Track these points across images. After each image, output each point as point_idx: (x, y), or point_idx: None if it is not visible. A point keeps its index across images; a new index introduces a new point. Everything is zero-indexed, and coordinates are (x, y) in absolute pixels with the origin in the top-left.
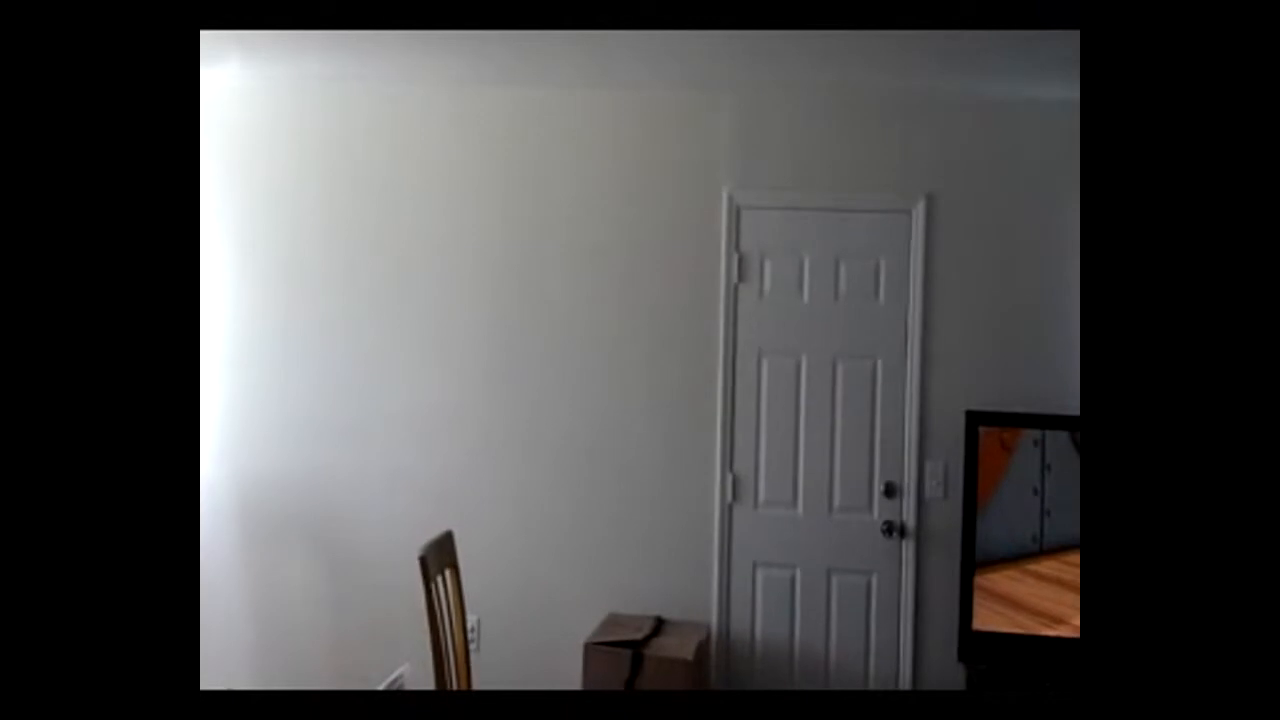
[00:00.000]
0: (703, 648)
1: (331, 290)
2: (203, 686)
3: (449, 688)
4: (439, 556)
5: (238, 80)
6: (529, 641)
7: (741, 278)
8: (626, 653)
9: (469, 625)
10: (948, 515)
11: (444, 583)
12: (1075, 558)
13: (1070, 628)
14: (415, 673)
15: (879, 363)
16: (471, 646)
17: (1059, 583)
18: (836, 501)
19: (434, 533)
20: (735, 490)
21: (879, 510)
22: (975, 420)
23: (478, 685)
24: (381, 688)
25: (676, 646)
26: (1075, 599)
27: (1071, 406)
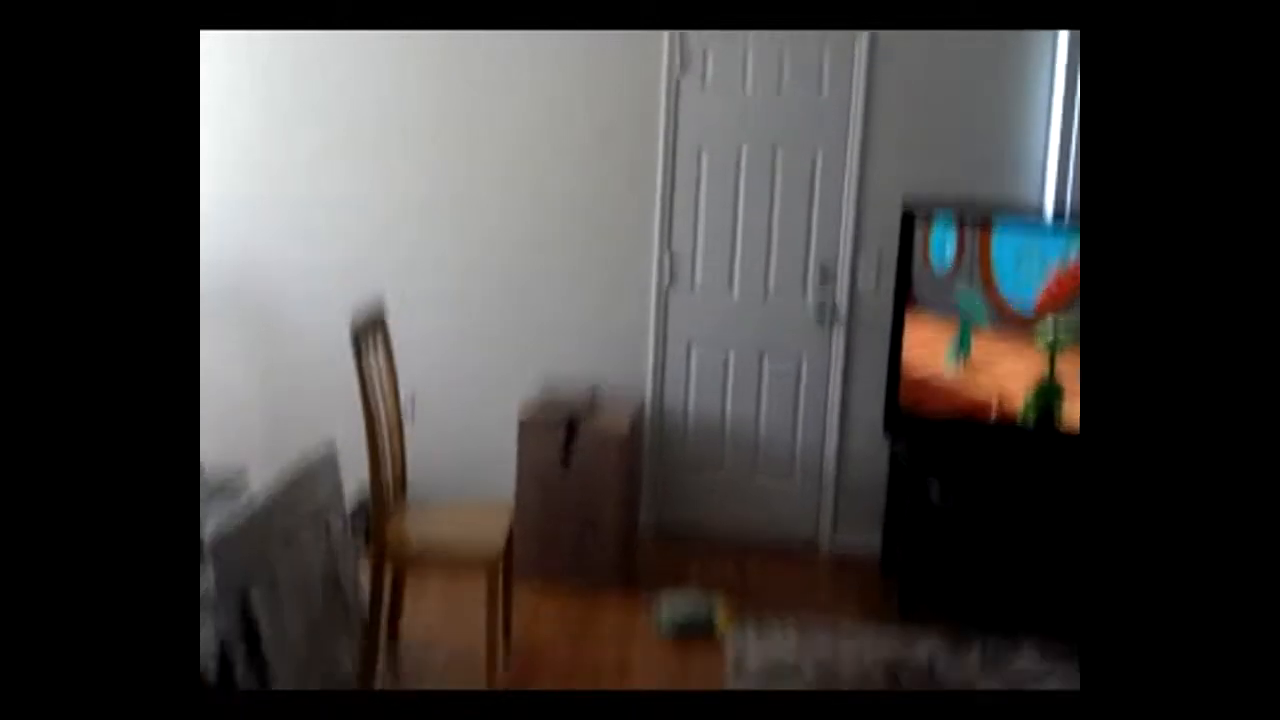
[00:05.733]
0: (636, 422)
1: (269, 64)
2: None
3: (381, 460)
4: (370, 327)
5: None
6: (464, 416)
7: (684, 68)
8: (561, 427)
9: (403, 400)
10: (878, 304)
11: (376, 353)
12: (996, 348)
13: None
14: (349, 441)
15: (819, 152)
16: (406, 420)
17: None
18: (771, 285)
19: (366, 306)
20: (673, 271)
21: (813, 295)
22: (911, 219)
23: (411, 458)
24: (312, 459)
25: (611, 420)
26: (994, 386)
27: (1005, 197)
